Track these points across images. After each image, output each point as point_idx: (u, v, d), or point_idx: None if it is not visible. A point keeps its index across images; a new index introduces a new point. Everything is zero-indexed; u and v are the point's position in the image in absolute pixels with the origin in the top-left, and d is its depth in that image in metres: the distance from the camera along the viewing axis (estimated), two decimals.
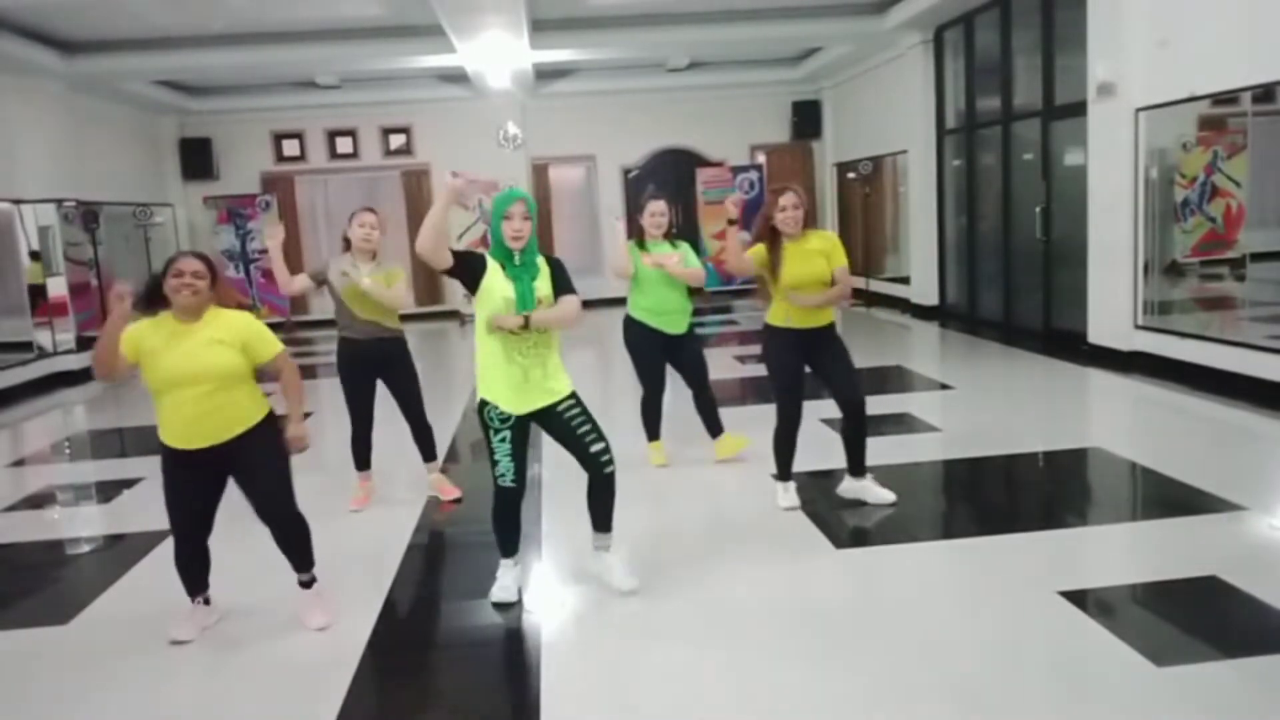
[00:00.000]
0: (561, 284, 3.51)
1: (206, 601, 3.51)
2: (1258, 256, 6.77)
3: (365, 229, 4.58)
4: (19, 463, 6.73)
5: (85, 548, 4.81)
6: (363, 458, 4.87)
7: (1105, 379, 7.15)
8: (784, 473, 4.49)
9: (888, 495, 4.45)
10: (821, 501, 4.54)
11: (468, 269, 3.40)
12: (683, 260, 5.06)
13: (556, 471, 3.61)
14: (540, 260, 3.49)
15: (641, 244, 5.10)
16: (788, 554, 3.96)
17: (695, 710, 2.79)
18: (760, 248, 4.28)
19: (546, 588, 3.78)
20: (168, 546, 4.24)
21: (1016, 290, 9.35)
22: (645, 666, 3.08)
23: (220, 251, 13.11)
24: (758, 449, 5.39)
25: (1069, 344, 8.06)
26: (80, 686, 3.17)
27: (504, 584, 3.64)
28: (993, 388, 7.30)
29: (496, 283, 3.40)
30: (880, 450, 4.81)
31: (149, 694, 3.09)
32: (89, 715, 3.00)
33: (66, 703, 3.07)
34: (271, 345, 3.33)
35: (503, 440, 3.43)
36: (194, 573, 3.46)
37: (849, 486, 4.53)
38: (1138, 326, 7.19)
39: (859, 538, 4.22)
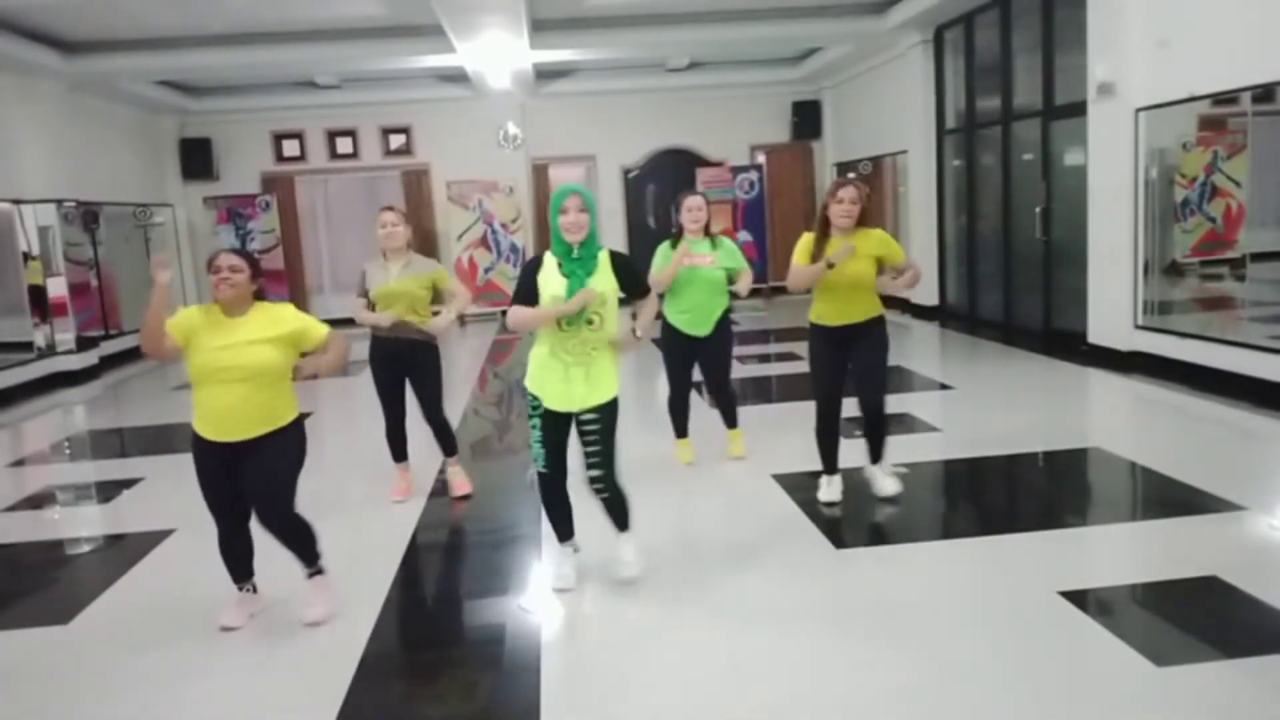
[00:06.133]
0: (627, 279, 3.50)
1: (254, 589, 3.56)
2: (1258, 256, 6.77)
3: (385, 228, 4.64)
4: (19, 463, 6.72)
5: (85, 548, 4.80)
6: (399, 450, 4.96)
7: (1105, 379, 7.15)
8: (826, 466, 4.50)
9: (888, 487, 4.48)
10: (822, 501, 4.55)
11: (530, 278, 3.44)
12: (716, 261, 4.97)
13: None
14: (603, 255, 3.46)
15: (676, 244, 4.99)
16: (788, 554, 3.96)
17: (695, 710, 2.79)
18: (807, 240, 4.23)
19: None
20: (168, 546, 4.24)
21: (1016, 290, 9.35)
22: (645, 666, 3.08)
23: None
24: (757, 448, 5.39)
25: (1069, 344, 8.06)
26: (81, 686, 3.17)
27: (561, 572, 3.71)
28: (993, 388, 7.30)
29: (549, 278, 3.43)
30: None
31: (149, 694, 3.09)
32: (89, 715, 3.00)
33: (67, 703, 3.07)
34: (318, 329, 3.44)
35: (535, 426, 3.52)
36: (237, 557, 3.50)
37: (866, 471, 4.59)
38: (1137, 326, 7.19)
39: (859, 538, 4.23)
